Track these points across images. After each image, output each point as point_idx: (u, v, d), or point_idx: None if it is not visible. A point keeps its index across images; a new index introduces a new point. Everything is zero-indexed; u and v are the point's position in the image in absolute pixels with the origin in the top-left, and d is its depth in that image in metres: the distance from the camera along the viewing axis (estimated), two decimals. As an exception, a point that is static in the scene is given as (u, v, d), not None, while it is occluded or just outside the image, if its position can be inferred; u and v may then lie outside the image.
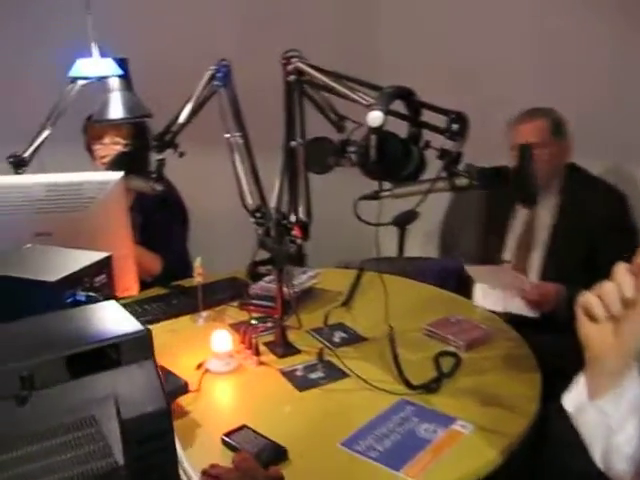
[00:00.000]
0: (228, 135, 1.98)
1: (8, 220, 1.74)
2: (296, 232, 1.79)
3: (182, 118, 2.09)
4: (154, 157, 2.23)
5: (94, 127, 2.52)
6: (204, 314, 2.29)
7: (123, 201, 1.79)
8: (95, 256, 1.55)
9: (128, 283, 1.91)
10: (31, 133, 2.08)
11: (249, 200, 1.96)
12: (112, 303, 1.22)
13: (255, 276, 2.53)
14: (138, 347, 1.12)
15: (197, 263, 2.19)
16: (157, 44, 3.12)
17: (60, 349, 1.07)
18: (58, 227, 1.76)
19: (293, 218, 1.83)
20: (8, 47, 3.14)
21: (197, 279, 2.20)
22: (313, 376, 1.87)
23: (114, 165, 2.39)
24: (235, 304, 2.38)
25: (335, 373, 1.89)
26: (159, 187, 2.25)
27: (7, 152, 2.05)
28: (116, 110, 2.00)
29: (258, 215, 1.92)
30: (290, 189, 1.82)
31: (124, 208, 1.79)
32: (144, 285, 2.28)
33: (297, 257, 1.82)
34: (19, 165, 2.01)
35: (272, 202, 1.91)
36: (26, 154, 2.03)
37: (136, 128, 2.55)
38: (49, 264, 1.51)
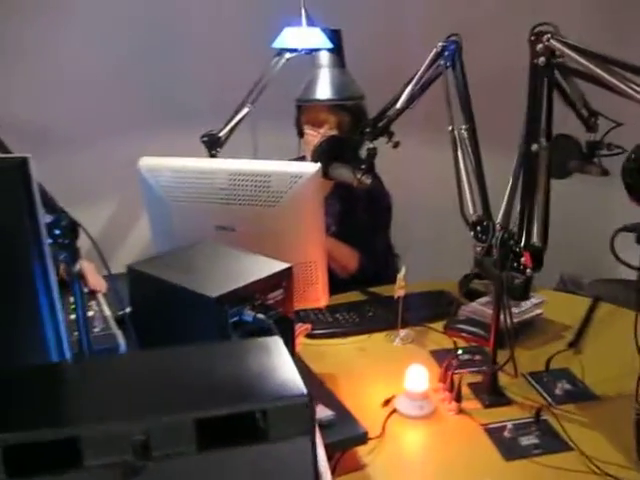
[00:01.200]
0: (451, 127, 1.63)
1: (188, 208, 1.58)
2: (526, 259, 1.41)
3: (400, 102, 1.79)
4: (364, 145, 1.96)
5: (311, 109, 2.29)
6: (402, 333, 2.00)
7: (319, 199, 1.54)
8: (273, 266, 1.32)
9: (317, 293, 1.68)
10: (229, 109, 1.89)
11: (470, 209, 1.61)
12: (277, 343, 0.96)
13: (468, 293, 2.20)
14: (294, 418, 0.85)
15: (400, 275, 1.90)
16: (374, 13, 2.80)
17: (189, 407, 0.83)
18: (241, 222, 1.56)
19: (524, 241, 1.45)
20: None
21: (398, 292, 1.91)
22: (525, 441, 1.51)
23: (321, 151, 2.16)
24: (440, 325, 2.05)
25: (553, 442, 1.51)
26: (367, 180, 1.99)
27: (203, 129, 1.89)
28: (323, 89, 1.75)
29: (479, 229, 1.56)
30: (523, 203, 1.45)
31: (319, 207, 1.55)
32: (338, 285, 2.04)
33: (522, 290, 1.45)
34: (213, 145, 1.84)
35: (498, 216, 1.54)
36: (222, 133, 1.86)
37: (354, 113, 2.28)
38: (218, 271, 1.29)
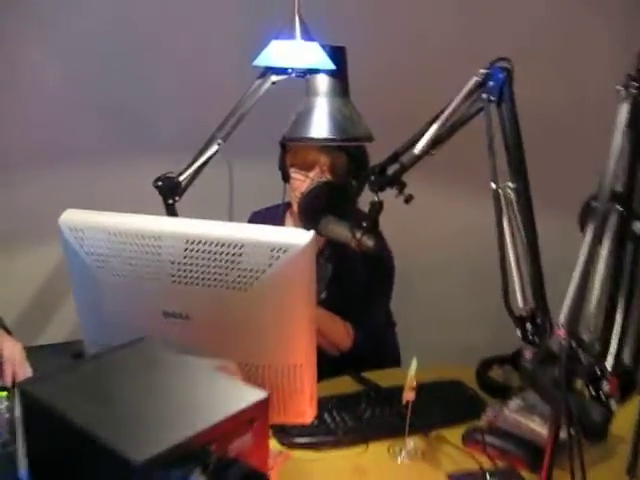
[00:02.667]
0: (495, 185, 1.20)
1: (125, 286, 1.12)
2: (611, 387, 0.98)
3: (421, 146, 1.36)
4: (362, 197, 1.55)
5: (299, 149, 1.87)
6: (409, 445, 1.54)
7: (309, 282, 1.10)
8: (240, 397, 0.86)
9: (302, 405, 1.25)
10: (193, 146, 1.45)
11: (518, 298, 1.17)
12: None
13: (487, 385, 1.75)
14: None
15: (411, 372, 1.46)
16: (389, 32, 2.37)
17: None
18: (199, 309, 1.12)
19: (609, 360, 1.01)
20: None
21: (407, 395, 1.47)
22: None
23: (310, 201, 1.72)
24: (457, 433, 1.60)
25: None
26: (369, 242, 1.56)
27: (158, 170, 1.44)
28: (320, 125, 1.32)
29: (530, 328, 1.12)
30: (613, 302, 1.01)
31: (309, 293, 1.11)
32: (323, 365, 1.59)
33: (600, 428, 1.01)
34: (170, 193, 1.39)
35: (561, 312, 1.10)
36: (182, 177, 1.41)
37: (352, 154, 1.86)
38: (153, 405, 0.83)
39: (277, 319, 1.13)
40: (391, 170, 1.55)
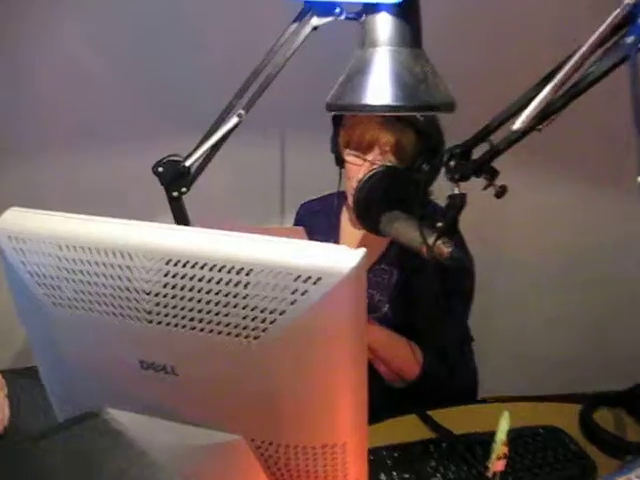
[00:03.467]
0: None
1: (83, 320, 0.75)
2: None
3: (524, 118, 0.95)
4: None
5: (355, 122, 1.48)
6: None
7: (355, 330, 0.70)
8: None
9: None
10: (204, 121, 1.07)
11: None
12: None
13: (599, 440, 1.34)
14: None
15: (501, 432, 1.05)
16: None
17: None
18: (188, 361, 0.74)
19: None
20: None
21: (496, 465, 1.06)
22: None
23: (367, 193, 1.34)
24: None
25: None
26: (447, 249, 1.18)
27: (163, 150, 1.07)
28: (380, 88, 0.92)
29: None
30: None
31: (356, 345, 0.70)
32: (385, 403, 1.22)
33: None
34: (173, 182, 1.02)
35: None
36: (189, 161, 1.03)
37: (423, 131, 1.46)
38: None
39: (304, 380, 0.74)
40: (477, 153, 1.15)
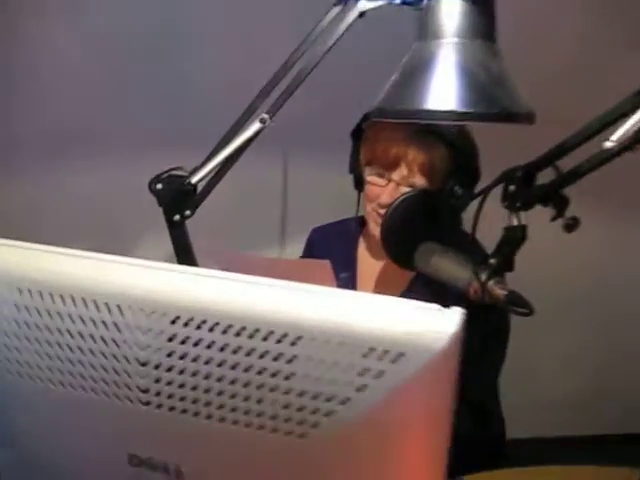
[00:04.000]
0: None
1: (51, 397, 0.51)
2: None
3: (620, 134, 0.73)
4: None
5: (376, 138, 1.27)
6: None
7: (445, 424, 0.45)
8: None
9: None
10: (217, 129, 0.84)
11: None
12: None
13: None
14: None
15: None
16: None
17: None
18: (200, 462, 0.49)
19: None
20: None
21: None
22: None
23: (400, 219, 1.14)
24: None
25: None
26: (501, 292, 0.98)
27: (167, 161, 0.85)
28: (447, 89, 0.69)
29: None
30: None
31: (443, 445, 0.46)
32: None
33: None
34: (175, 203, 0.79)
35: None
36: (196, 177, 0.80)
37: (457, 151, 1.25)
38: None
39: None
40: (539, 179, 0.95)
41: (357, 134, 1.35)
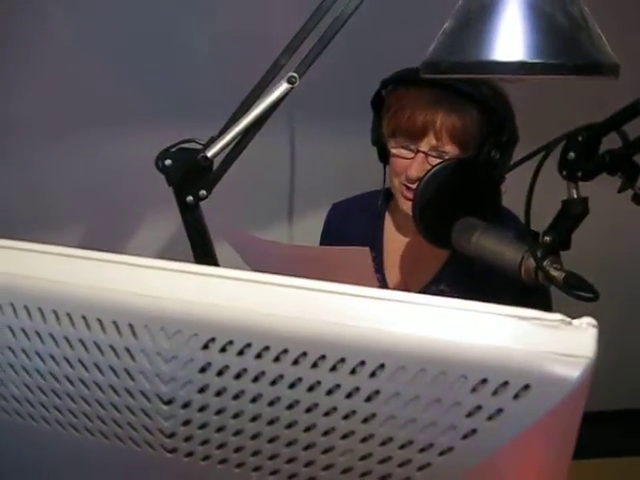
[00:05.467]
0: None
1: (50, 441, 0.39)
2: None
3: None
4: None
5: (400, 105, 1.11)
6: None
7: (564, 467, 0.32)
8: None
9: None
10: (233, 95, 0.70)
11: None
12: None
13: None
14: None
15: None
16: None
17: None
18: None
19: None
20: None
21: None
22: None
23: (435, 193, 1.04)
24: None
25: None
26: (559, 275, 0.85)
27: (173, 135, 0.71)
28: (519, 37, 0.55)
29: None
30: None
31: None
32: None
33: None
34: (189, 182, 0.65)
35: None
36: (212, 150, 0.67)
37: (492, 114, 1.13)
38: None
39: None
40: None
41: (377, 103, 1.22)
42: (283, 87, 0.67)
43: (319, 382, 0.35)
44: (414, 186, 1.13)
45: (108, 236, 1.70)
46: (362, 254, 1.00)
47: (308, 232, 1.45)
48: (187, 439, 0.39)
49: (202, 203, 0.79)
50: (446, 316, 0.35)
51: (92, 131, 1.62)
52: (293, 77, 0.67)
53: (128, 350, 0.38)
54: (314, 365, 0.35)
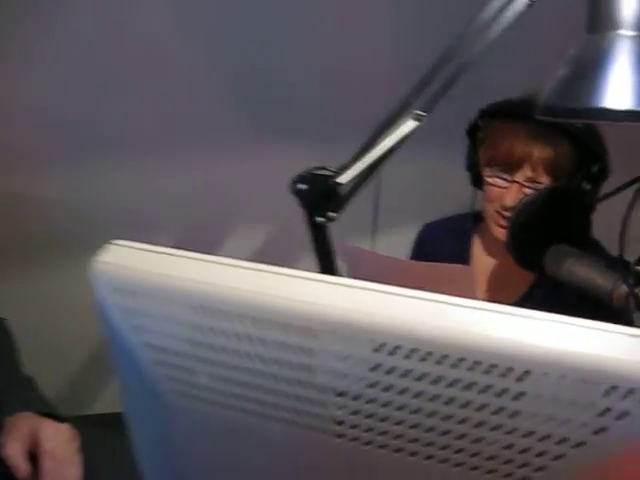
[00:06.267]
0: None
1: (232, 427, 0.51)
2: None
3: None
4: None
5: (499, 138, 1.21)
6: None
7: None
8: None
9: None
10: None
11: None
12: None
13: None
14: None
15: None
16: None
17: None
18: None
19: None
20: None
21: None
22: None
23: (529, 220, 1.10)
24: None
25: None
26: None
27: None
28: (623, 90, 0.62)
29: None
30: None
31: None
32: None
33: None
34: (320, 203, 0.74)
35: None
36: (343, 177, 0.75)
37: (583, 146, 1.19)
38: None
39: None
40: None
41: (473, 133, 1.28)
42: (410, 124, 0.75)
43: (475, 383, 0.42)
44: (508, 214, 1.19)
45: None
46: (466, 272, 1.06)
47: (391, 248, 1.51)
48: (354, 427, 0.47)
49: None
50: (581, 333, 0.42)
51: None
52: (420, 116, 0.75)
53: (310, 351, 0.46)
54: (470, 368, 0.42)
